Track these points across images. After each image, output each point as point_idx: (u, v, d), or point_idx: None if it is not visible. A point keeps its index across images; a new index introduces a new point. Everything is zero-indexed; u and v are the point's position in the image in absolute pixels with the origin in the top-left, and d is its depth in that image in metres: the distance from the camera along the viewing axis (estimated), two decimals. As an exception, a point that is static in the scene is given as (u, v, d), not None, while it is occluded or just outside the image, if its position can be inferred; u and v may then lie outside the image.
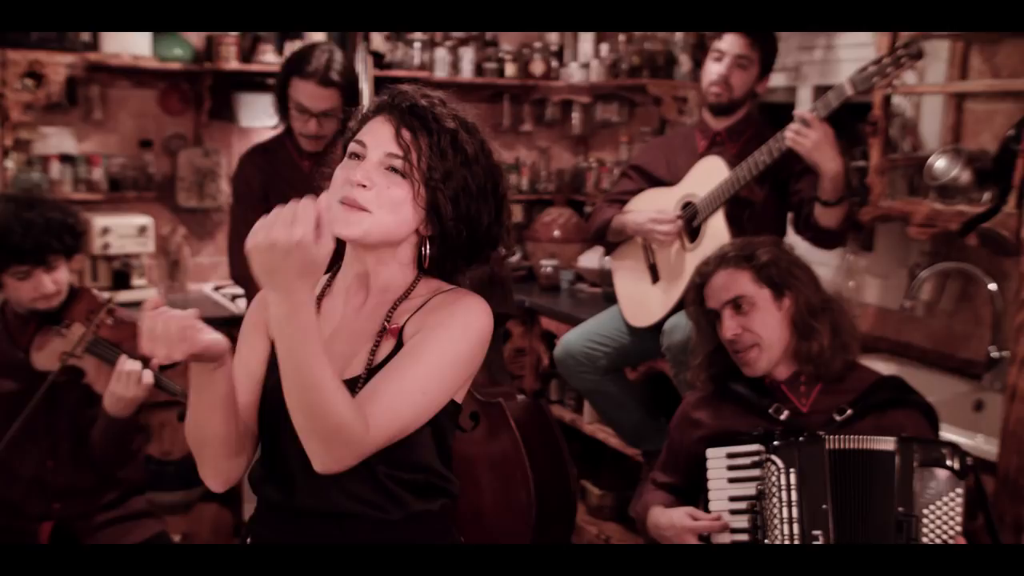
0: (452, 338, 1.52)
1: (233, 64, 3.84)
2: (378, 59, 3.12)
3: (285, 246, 1.28)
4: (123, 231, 3.76)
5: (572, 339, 3.34)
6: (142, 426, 2.61)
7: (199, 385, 1.48)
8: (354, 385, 1.52)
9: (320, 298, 1.63)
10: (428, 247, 1.58)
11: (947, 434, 2.44)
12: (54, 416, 2.54)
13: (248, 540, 1.63)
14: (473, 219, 1.58)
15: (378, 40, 3.14)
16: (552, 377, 4.23)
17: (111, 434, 2.48)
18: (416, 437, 1.53)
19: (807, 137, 2.73)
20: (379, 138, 1.52)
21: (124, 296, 3.74)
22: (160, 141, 4.07)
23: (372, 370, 1.53)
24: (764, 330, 2.22)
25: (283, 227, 1.28)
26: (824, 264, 3.46)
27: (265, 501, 1.61)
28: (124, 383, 2.39)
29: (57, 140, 3.89)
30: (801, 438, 2.06)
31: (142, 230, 3.80)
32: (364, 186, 1.49)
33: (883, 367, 3.20)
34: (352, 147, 1.54)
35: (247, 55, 3.89)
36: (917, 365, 3.15)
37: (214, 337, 1.43)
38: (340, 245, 1.55)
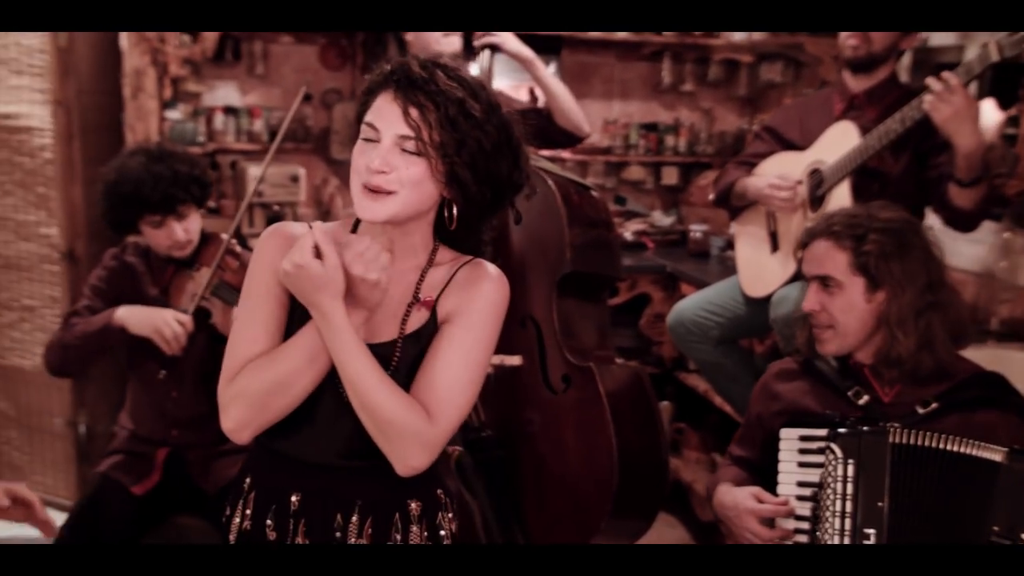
0: (487, 322, 1.62)
1: (378, 20, 3.93)
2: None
3: (292, 271, 1.50)
4: (276, 180, 3.95)
5: (685, 307, 3.23)
6: None
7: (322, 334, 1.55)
8: (390, 350, 1.60)
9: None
10: (453, 209, 1.61)
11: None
12: (183, 357, 2.70)
13: (247, 480, 1.69)
14: (493, 176, 1.60)
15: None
16: (691, 345, 4.12)
17: None
18: None
19: (947, 104, 2.49)
20: (389, 120, 1.53)
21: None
22: (318, 95, 4.24)
23: (406, 338, 1.60)
24: (843, 316, 2.07)
25: (288, 259, 1.51)
26: (978, 241, 3.18)
27: (271, 450, 1.67)
28: None
29: (223, 93, 4.13)
30: (866, 428, 1.92)
31: (294, 179, 3.98)
32: (384, 171, 1.52)
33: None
34: (364, 132, 1.56)
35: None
36: (1067, 358, 2.86)
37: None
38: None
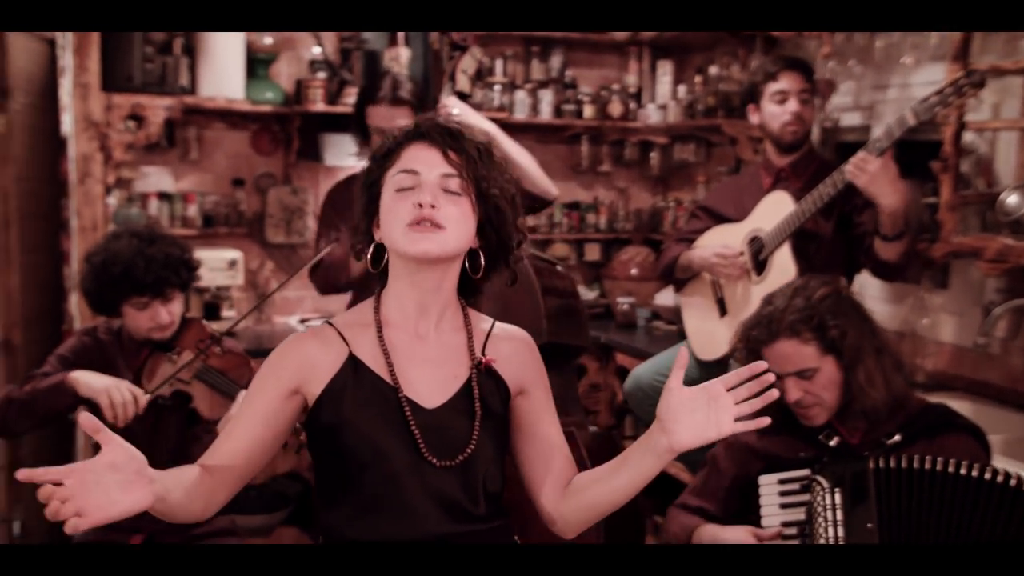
0: (548, 385, 1.80)
1: (320, 106, 4.03)
2: (463, 99, 3.23)
3: None
4: (214, 264, 3.94)
5: (642, 372, 3.38)
6: None
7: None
8: (467, 400, 1.66)
9: (380, 331, 1.68)
10: (480, 259, 1.68)
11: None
12: (156, 437, 2.67)
13: None
14: (514, 222, 1.70)
15: (463, 81, 3.26)
16: (626, 413, 4.27)
17: None
18: (499, 466, 1.71)
19: (864, 171, 2.75)
20: (429, 162, 1.61)
21: (214, 327, 3.92)
22: (251, 180, 4.27)
23: (480, 391, 1.68)
24: (827, 393, 2.23)
25: None
26: (898, 302, 3.45)
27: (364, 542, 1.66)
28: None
29: (156, 179, 4.13)
30: (845, 459, 2.08)
31: (232, 264, 3.99)
32: (433, 206, 1.58)
33: (958, 405, 3.16)
34: (400, 181, 1.61)
35: (333, 97, 4.08)
36: (993, 403, 3.11)
37: None
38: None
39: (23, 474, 1.37)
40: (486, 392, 1.68)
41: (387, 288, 1.70)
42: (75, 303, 3.55)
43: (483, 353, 1.70)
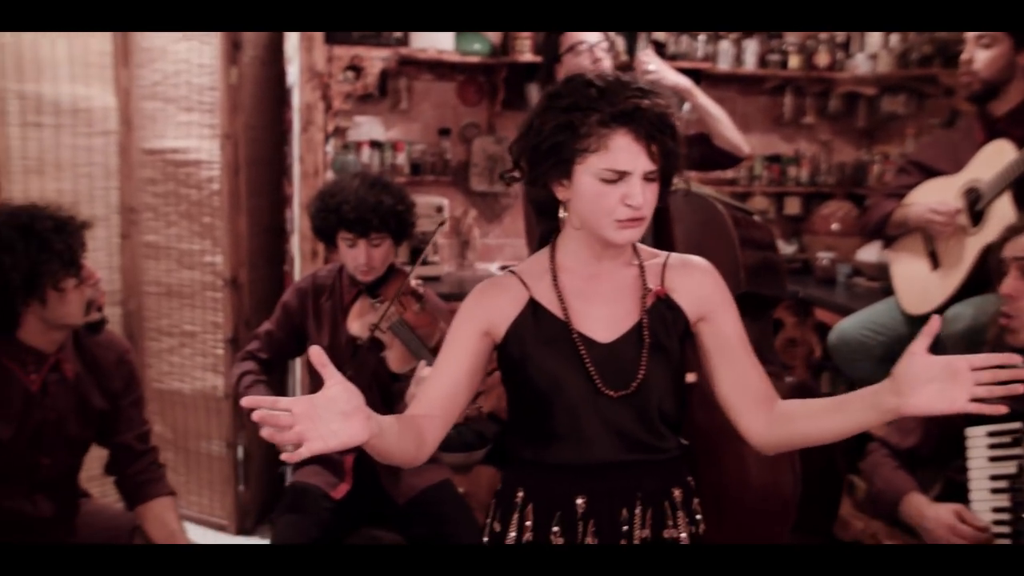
0: (734, 304, 1.83)
1: (527, 56, 4.11)
2: (659, 48, 3.23)
3: None
4: (420, 210, 4.04)
5: (847, 326, 3.32)
6: None
7: None
8: (639, 331, 1.74)
9: (555, 276, 1.78)
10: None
11: None
12: (355, 375, 2.81)
13: (519, 494, 1.80)
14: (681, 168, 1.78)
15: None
16: (823, 369, 4.20)
17: None
18: (675, 396, 1.77)
19: None
20: (635, 160, 1.64)
21: (418, 271, 4.08)
22: (457, 130, 4.41)
23: (649, 321, 1.74)
24: None
25: None
26: None
27: (547, 463, 1.77)
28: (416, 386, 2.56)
29: (368, 128, 4.32)
30: None
31: (439, 210, 4.13)
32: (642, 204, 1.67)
33: None
34: (604, 175, 1.64)
35: (540, 48, 4.14)
36: None
37: None
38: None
39: (248, 401, 1.43)
40: (658, 323, 1.75)
41: (563, 237, 1.79)
42: (296, 245, 3.77)
43: (660, 284, 1.78)
